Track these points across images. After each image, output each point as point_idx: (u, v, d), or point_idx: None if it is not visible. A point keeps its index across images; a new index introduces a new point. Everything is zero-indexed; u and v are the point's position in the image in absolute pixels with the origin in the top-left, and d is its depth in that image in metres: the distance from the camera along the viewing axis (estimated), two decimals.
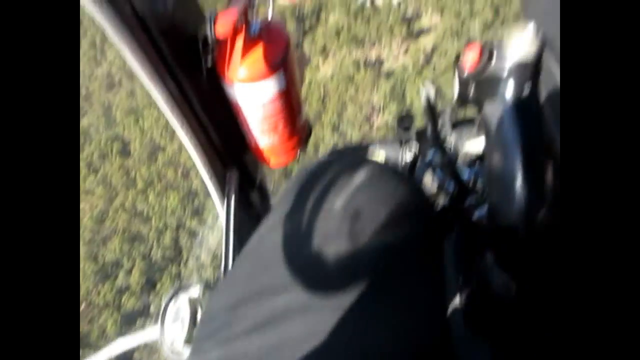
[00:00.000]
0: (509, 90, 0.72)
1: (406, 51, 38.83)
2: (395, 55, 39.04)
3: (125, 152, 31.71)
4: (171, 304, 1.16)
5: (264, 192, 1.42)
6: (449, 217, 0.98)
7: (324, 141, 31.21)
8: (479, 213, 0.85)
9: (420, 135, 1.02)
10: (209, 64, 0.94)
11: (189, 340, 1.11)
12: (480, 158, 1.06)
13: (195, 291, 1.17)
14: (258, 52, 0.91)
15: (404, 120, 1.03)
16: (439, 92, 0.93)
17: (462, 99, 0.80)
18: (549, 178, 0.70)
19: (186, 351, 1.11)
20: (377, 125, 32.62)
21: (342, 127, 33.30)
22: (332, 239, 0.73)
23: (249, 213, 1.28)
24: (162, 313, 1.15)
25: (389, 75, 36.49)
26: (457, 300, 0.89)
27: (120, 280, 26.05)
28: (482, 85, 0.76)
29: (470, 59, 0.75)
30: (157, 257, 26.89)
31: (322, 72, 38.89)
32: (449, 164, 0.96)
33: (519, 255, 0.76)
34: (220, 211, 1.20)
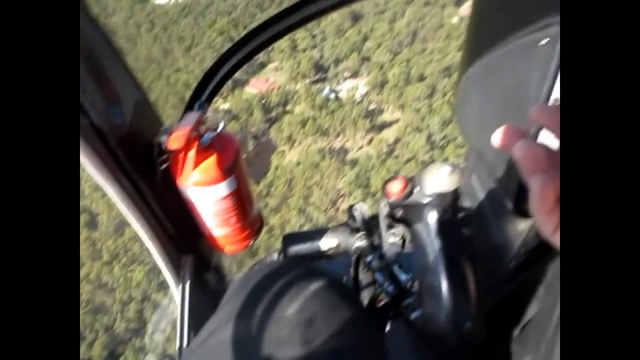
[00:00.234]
0: (431, 216, 0.81)
1: (370, 142, 40.83)
2: (360, 145, 40.88)
3: (92, 224, 31.47)
4: None
5: (220, 273, 1.46)
6: (389, 316, 1.03)
7: (290, 223, 31.59)
8: (415, 314, 0.91)
9: (369, 225, 1.05)
10: (164, 168, 1.00)
11: None
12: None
13: None
14: (209, 160, 0.96)
15: (355, 209, 1.06)
16: (370, 208, 1.01)
17: (392, 218, 0.88)
18: (473, 291, 0.77)
19: None
20: (343, 209, 33.31)
21: (308, 210, 33.84)
22: (284, 344, 0.74)
23: (205, 294, 1.31)
24: None
25: (353, 163, 38.15)
26: None
27: (82, 353, 24.40)
28: (408, 208, 0.84)
29: (395, 188, 0.83)
30: (120, 329, 25.90)
31: (288, 158, 40.06)
32: (386, 267, 1.01)
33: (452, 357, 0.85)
34: (175, 294, 1.21)
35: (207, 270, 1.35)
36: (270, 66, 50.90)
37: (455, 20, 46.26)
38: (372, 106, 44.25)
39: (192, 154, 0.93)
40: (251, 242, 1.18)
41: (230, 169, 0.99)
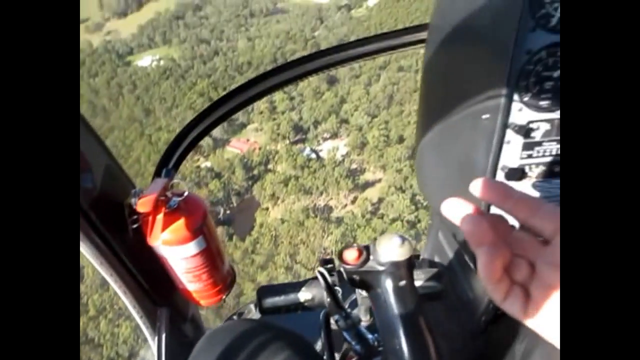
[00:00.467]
0: (387, 282, 0.82)
1: (354, 201, 41.40)
2: (344, 204, 41.31)
3: None
4: None
5: (196, 324, 1.48)
6: None
7: (277, 280, 30.99)
8: None
9: (341, 278, 1.03)
10: (135, 227, 1.04)
11: None
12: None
13: None
14: (178, 222, 1.00)
15: (326, 263, 1.04)
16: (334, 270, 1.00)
17: (351, 283, 0.89)
18: (433, 353, 0.78)
19: None
20: None
21: (295, 268, 33.38)
22: None
23: (182, 344, 1.32)
24: None
25: (339, 221, 38.39)
26: None
27: None
28: (365, 275, 0.86)
29: (350, 256, 0.86)
30: None
31: (272, 216, 40.00)
32: (352, 327, 1.03)
33: None
34: (152, 346, 1.24)
35: (184, 321, 1.38)
36: (251, 127, 51.93)
37: None
38: (353, 166, 45.21)
39: (160, 217, 0.98)
40: (224, 296, 1.21)
41: (198, 230, 1.04)
